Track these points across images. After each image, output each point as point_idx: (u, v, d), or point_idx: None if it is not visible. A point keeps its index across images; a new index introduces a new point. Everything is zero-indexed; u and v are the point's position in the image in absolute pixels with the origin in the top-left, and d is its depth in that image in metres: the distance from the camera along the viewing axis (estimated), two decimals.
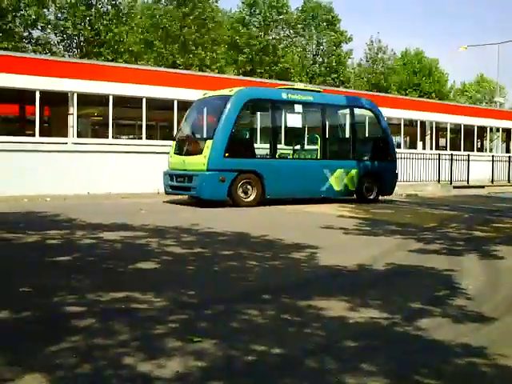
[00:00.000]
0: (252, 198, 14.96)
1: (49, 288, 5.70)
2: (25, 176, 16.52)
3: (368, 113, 18.72)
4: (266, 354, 3.98)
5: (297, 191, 15.88)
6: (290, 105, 16.41)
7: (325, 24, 47.34)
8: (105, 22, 35.73)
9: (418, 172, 24.46)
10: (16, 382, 3.40)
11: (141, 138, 21.65)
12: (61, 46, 37.54)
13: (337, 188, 16.52)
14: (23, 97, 21.30)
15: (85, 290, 5.55)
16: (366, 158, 17.54)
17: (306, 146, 18.16)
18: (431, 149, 30.78)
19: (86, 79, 18.89)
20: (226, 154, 14.47)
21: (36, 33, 36.16)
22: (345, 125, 19.23)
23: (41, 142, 17.77)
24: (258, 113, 18.98)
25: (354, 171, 16.83)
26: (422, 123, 30.91)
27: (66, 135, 19.24)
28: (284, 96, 16.16)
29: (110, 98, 19.48)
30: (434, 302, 5.52)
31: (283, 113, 16.99)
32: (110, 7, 36.97)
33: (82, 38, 36.64)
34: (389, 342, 4.42)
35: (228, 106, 14.83)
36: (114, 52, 35.87)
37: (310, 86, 20.39)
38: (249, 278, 6.36)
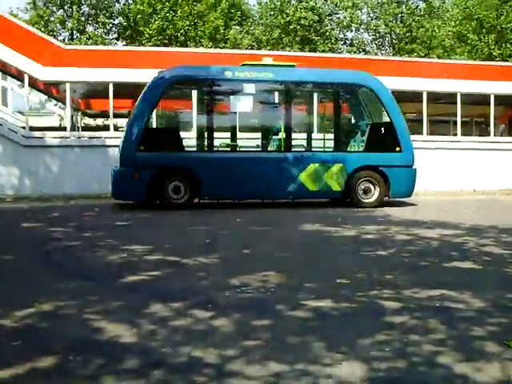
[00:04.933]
0: (184, 199, 12.46)
1: (365, 281, 5.88)
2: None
3: (364, 91, 14.10)
4: None
5: (249, 191, 12.96)
6: (236, 85, 13.26)
7: None
8: (416, 17, 35.65)
9: None
10: (335, 367, 3.57)
11: (456, 135, 21.06)
12: (373, 45, 38.41)
13: (312, 188, 12.92)
14: None
15: (400, 286, 5.60)
16: (358, 148, 13.53)
17: (264, 136, 14.34)
18: None
19: (401, 76, 18.91)
20: (141, 147, 12.19)
21: (350, 34, 37.56)
22: (324, 107, 15.50)
23: None
24: (192, 97, 15.30)
25: (337, 166, 13.01)
26: None
27: None
28: (228, 75, 12.98)
29: (424, 95, 19.33)
30: None
31: (227, 95, 13.59)
32: (421, 3, 36.82)
33: (393, 36, 37.04)
34: None
35: (146, 89, 12.68)
36: (427, 48, 35.54)
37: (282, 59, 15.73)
38: None
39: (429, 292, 5.36)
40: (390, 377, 3.46)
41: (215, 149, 13.21)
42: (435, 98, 20.59)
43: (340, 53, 34.88)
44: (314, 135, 15.04)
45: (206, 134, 13.34)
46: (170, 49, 25.01)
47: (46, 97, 25.14)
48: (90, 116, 29.13)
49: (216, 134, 13.31)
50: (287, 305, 4.99)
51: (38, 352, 3.82)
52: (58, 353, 3.81)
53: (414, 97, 19.75)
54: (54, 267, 6.88)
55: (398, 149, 13.21)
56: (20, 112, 26.91)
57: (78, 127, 24.94)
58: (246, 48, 32.92)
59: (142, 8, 33.13)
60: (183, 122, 15.34)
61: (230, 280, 5.86)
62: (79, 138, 18.04)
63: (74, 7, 34.59)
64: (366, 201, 13.12)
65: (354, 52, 35.34)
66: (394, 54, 35.39)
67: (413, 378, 3.48)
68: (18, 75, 18.91)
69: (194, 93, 14.68)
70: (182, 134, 13.40)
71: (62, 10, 35.28)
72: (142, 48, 25.35)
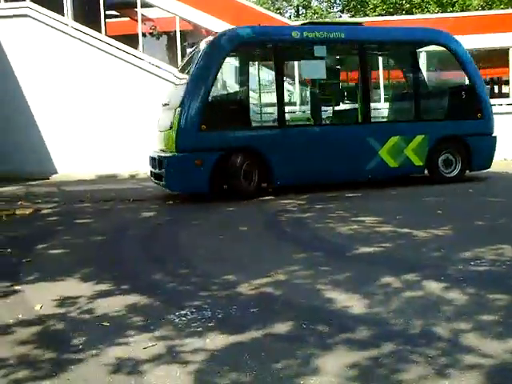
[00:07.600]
0: (254, 185, 10.52)
1: None
2: None
3: (441, 51, 12.32)
4: None
5: (324, 173, 11.07)
6: (305, 47, 11.63)
7: None
8: None
9: None
10: None
11: None
12: None
13: (392, 164, 11.27)
14: None
15: None
16: (439, 116, 11.96)
17: (338, 106, 12.49)
18: None
19: None
20: (203, 126, 10.09)
21: None
22: (400, 70, 13.58)
23: None
24: (257, 63, 13.01)
25: (419, 138, 11.39)
26: None
27: None
28: (296, 35, 11.00)
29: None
30: None
31: (296, 59, 12.10)
32: None
33: None
34: None
35: (204, 55, 10.50)
36: None
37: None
38: None
39: None
40: None
41: (288, 124, 11.41)
42: None
43: None
44: (392, 104, 13.58)
45: (273, 106, 11.60)
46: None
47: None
48: None
49: (282, 107, 11.31)
50: None
51: (274, 319, 4.06)
52: (292, 320, 4.02)
53: None
54: (286, 238, 7.20)
55: (479, 115, 11.81)
56: None
57: None
58: (476, 9, 31.20)
59: None
60: (248, 93, 12.44)
61: (463, 252, 5.72)
62: None
63: None
64: (447, 175, 11.75)
65: None
66: None
67: None
68: None
69: (260, 58, 12.96)
70: (249, 108, 11.55)
71: None
72: (366, 19, 25.15)
